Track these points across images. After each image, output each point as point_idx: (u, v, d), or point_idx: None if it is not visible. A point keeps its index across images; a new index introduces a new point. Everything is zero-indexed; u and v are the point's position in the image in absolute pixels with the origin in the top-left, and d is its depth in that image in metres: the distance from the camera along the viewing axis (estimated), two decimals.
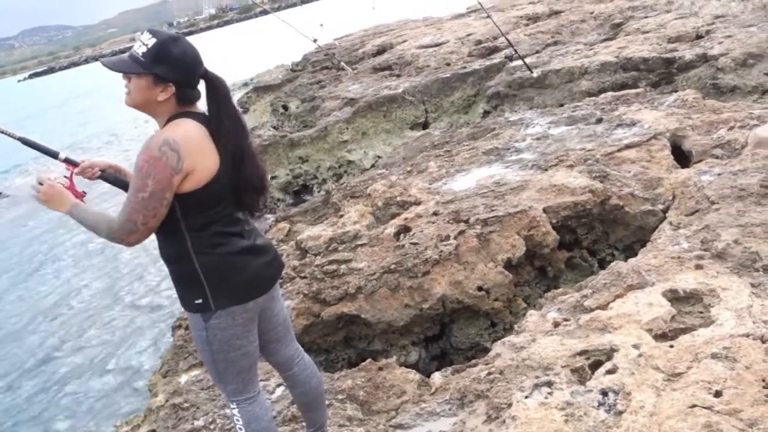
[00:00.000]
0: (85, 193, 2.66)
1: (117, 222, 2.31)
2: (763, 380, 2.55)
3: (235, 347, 2.46)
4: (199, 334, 2.46)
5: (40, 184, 2.49)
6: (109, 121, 27.19)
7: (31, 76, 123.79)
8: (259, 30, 61.52)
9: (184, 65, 2.33)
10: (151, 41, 2.29)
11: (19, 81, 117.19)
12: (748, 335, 2.81)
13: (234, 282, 2.41)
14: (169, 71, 2.30)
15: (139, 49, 2.29)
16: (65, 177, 2.63)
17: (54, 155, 2.67)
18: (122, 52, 2.46)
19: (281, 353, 2.77)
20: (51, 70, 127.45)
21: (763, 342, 2.75)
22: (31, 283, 10.79)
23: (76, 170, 2.65)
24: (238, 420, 2.56)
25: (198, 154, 2.31)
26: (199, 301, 2.40)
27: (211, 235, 2.38)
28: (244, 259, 2.45)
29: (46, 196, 2.47)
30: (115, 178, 2.72)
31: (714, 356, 2.74)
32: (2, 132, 2.69)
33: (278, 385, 3.71)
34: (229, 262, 2.41)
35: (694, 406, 2.50)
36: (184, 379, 4.18)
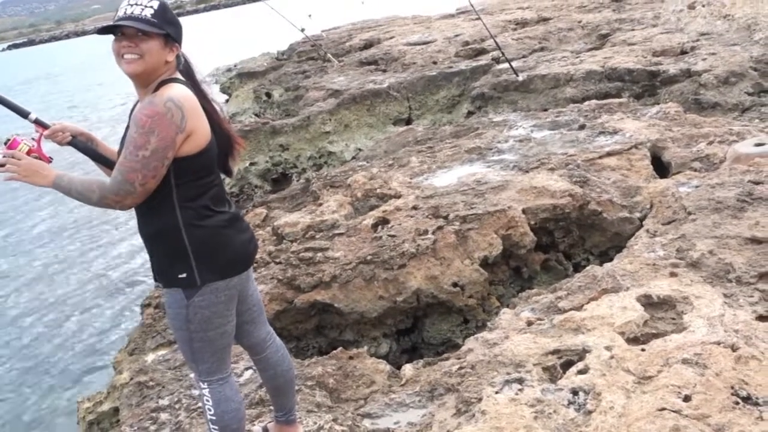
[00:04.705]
0: (51, 158, 2.58)
1: (112, 183, 2.23)
2: (732, 387, 2.58)
3: (214, 326, 2.42)
4: (178, 312, 2.41)
5: (12, 157, 2.35)
6: (85, 94, 26.84)
7: (9, 48, 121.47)
8: (246, 16, 61.11)
9: (180, 25, 2.38)
10: (155, 2, 2.29)
11: None
12: (719, 343, 2.84)
13: (220, 256, 2.38)
14: (175, 31, 2.34)
15: (145, 11, 2.26)
16: (33, 139, 2.54)
17: (24, 115, 2.58)
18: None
19: (254, 335, 2.73)
20: (31, 43, 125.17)
21: (734, 350, 2.78)
22: None
23: (45, 133, 2.54)
24: (207, 400, 2.51)
25: (197, 116, 2.30)
26: (183, 275, 2.34)
27: (200, 207, 2.35)
28: (229, 233, 2.42)
29: (27, 171, 2.32)
30: (85, 145, 2.61)
31: (685, 362, 2.76)
32: None
33: (246, 369, 3.66)
34: (217, 235, 2.38)
35: (663, 409, 2.52)
36: (150, 357, 4.12)
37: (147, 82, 2.33)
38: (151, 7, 2.27)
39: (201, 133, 2.31)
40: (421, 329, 4.67)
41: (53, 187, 2.34)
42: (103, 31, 2.30)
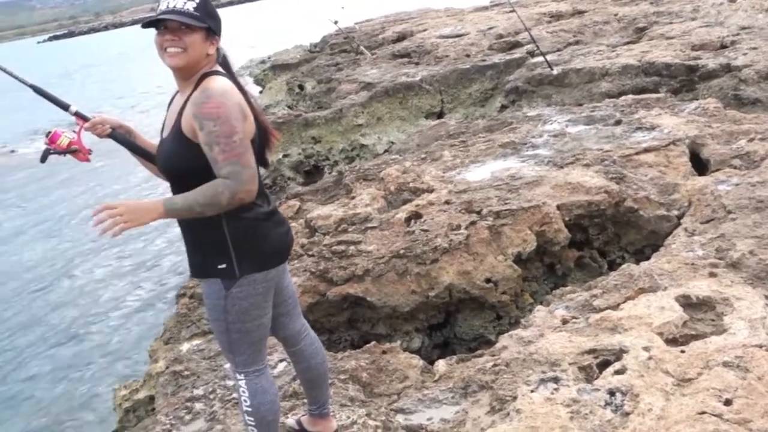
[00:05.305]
0: (91, 150, 2.62)
1: (236, 178, 2.20)
2: None
3: (251, 317, 2.44)
4: (215, 303, 2.42)
5: (107, 208, 2.14)
6: (129, 87, 27.23)
7: (50, 39, 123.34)
8: (280, 8, 61.35)
9: (220, 18, 2.39)
10: None
11: (38, 42, 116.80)
12: (761, 346, 2.78)
13: (259, 248, 2.40)
14: (216, 24, 2.36)
15: (188, 5, 2.28)
16: (73, 131, 2.59)
17: (65, 107, 2.63)
18: (140, 21, 2.42)
19: (289, 327, 2.75)
20: (71, 34, 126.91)
21: None
22: (36, 242, 10.80)
23: (86, 125, 2.58)
24: (243, 392, 2.53)
25: (245, 105, 2.33)
26: (223, 266, 2.36)
27: None
28: (268, 225, 2.44)
29: (130, 213, 2.15)
30: (124, 138, 2.64)
31: (726, 364, 2.71)
32: (16, 78, 2.66)
33: (280, 361, 3.69)
34: (257, 228, 2.39)
35: (704, 412, 2.48)
36: (185, 347, 4.16)
37: (189, 74, 2.35)
38: (194, 0, 2.29)
39: (251, 121, 2.35)
40: (453, 324, 4.65)
41: (167, 216, 2.23)
42: (147, 25, 2.32)
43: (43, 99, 2.70)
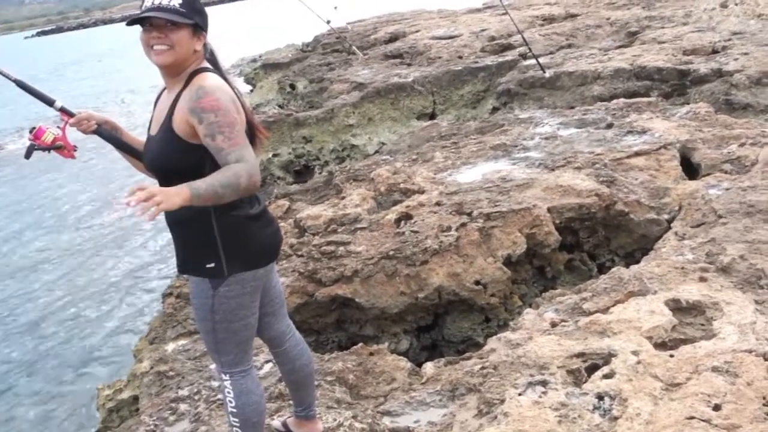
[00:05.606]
0: (76, 147, 2.58)
1: (247, 162, 2.16)
2: (764, 397, 2.51)
3: (239, 317, 2.41)
4: (203, 302, 2.39)
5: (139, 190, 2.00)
6: (118, 83, 27.10)
7: (38, 34, 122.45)
8: (271, 7, 61.24)
9: (206, 14, 2.36)
10: None
11: (26, 38, 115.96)
12: (750, 351, 2.77)
13: (249, 247, 2.37)
14: (203, 20, 2.32)
15: (173, 1, 2.23)
16: (58, 127, 2.55)
17: (50, 103, 2.58)
18: (129, 18, 2.37)
19: (274, 327, 2.71)
20: (59, 30, 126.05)
21: (766, 359, 2.71)
22: (21, 242, 10.69)
23: (71, 121, 2.54)
24: (228, 392, 2.49)
25: (237, 101, 2.31)
26: (211, 265, 2.33)
27: None
28: (258, 224, 2.41)
29: (161, 195, 1.98)
30: (110, 134, 2.59)
31: (715, 369, 2.70)
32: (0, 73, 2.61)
33: (266, 362, 3.65)
34: (246, 226, 2.36)
35: (692, 417, 2.46)
36: (171, 347, 4.11)
37: (177, 72, 2.31)
38: None
39: (243, 117, 2.33)
40: (441, 326, 4.63)
41: (192, 201, 2.08)
42: (132, 22, 2.28)
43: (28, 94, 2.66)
